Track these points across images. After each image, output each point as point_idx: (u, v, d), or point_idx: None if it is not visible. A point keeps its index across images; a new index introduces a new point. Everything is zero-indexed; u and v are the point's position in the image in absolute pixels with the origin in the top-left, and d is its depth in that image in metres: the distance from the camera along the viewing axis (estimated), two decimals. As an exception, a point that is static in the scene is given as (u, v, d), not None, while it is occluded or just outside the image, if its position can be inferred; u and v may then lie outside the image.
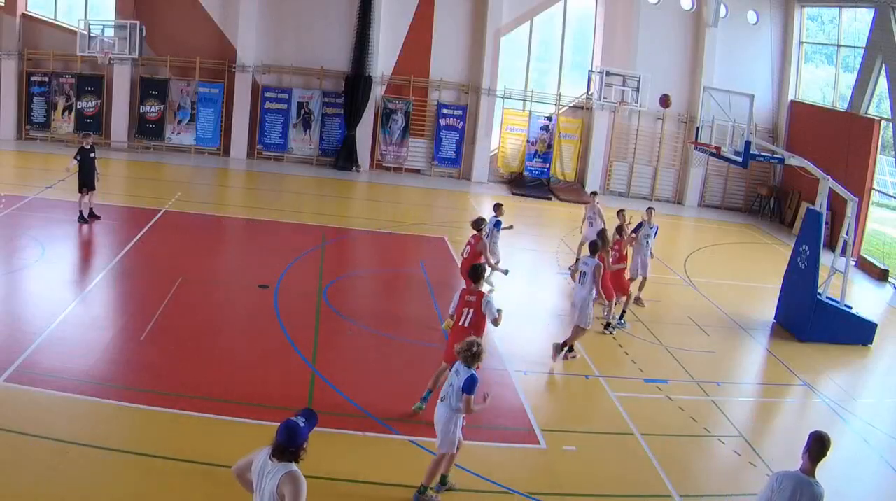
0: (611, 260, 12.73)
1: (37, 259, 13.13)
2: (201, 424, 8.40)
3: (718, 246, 20.52)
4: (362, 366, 10.57)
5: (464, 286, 9.83)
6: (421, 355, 10.91)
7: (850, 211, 13.56)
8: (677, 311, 14.33)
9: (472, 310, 8.98)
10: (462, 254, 12.90)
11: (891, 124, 20.03)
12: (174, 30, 23.15)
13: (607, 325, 12.69)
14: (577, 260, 16.02)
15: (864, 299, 16.39)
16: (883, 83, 20.03)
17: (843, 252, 13.90)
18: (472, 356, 7.25)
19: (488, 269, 13.23)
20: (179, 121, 23.50)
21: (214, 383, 9.39)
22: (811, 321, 13.35)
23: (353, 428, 8.59)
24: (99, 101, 22.99)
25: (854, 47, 21.71)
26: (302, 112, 23.93)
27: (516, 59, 25.08)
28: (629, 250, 13.73)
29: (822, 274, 13.77)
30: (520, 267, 14.86)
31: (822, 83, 24.31)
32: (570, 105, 25.09)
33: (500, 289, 14.33)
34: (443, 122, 24.32)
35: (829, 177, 13.63)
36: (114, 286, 12.68)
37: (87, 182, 15.21)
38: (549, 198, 23.62)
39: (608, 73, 22.68)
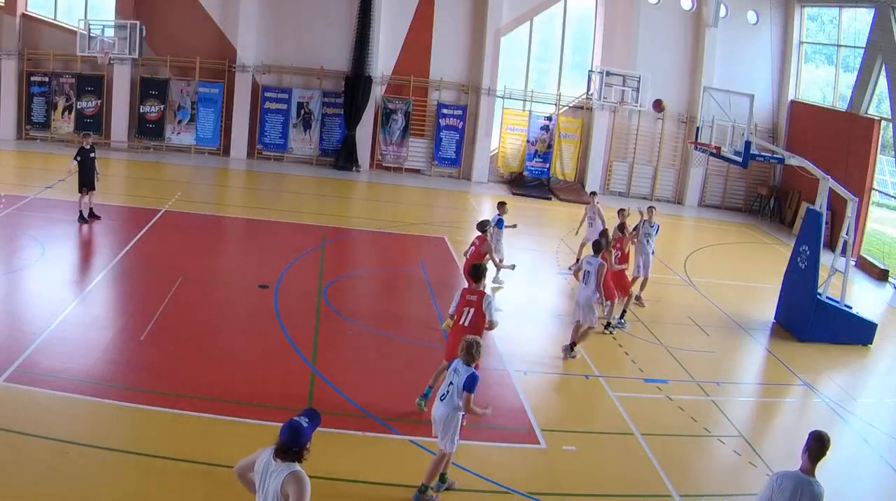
0: (613, 259, 12.73)
1: (37, 259, 13.13)
2: (201, 424, 8.40)
3: (718, 246, 20.52)
4: (362, 366, 10.57)
5: (465, 286, 9.82)
6: (421, 355, 10.91)
7: (850, 211, 13.56)
8: (677, 311, 14.33)
9: (472, 310, 8.99)
10: (465, 255, 12.89)
11: (891, 124, 20.03)
12: (174, 30, 23.16)
13: (607, 325, 12.69)
14: (578, 260, 16.06)
15: (864, 299, 16.39)
16: (883, 83, 20.03)
17: (843, 252, 13.89)
18: (472, 354, 7.28)
19: (493, 269, 13.28)
20: (179, 121, 23.51)
21: (214, 383, 9.39)
22: (811, 321, 13.35)
23: (353, 428, 8.58)
24: (99, 101, 23.00)
25: (854, 47, 21.71)
26: (302, 112, 23.93)
27: (516, 59, 25.08)
28: (631, 249, 13.74)
29: (822, 274, 13.77)
30: (520, 268, 14.87)
31: (822, 83, 24.31)
32: (570, 105, 25.10)
33: (503, 288, 14.38)
34: (443, 122, 24.32)
35: (829, 177, 13.63)
36: (114, 286, 12.68)
37: (87, 182, 15.22)
38: (549, 198, 23.62)
39: (608, 73, 22.71)
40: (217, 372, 9.71)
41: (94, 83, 22.90)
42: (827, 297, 13.67)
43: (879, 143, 20.38)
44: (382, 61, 23.83)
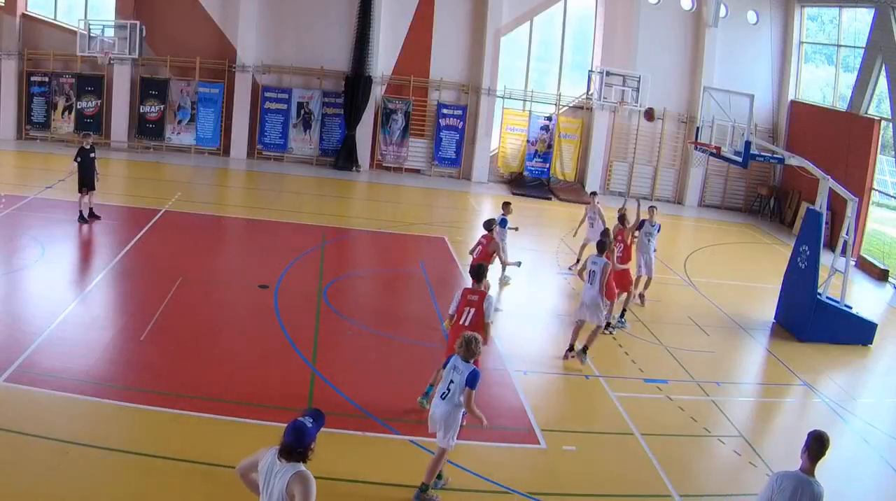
0: (616, 252, 12.79)
1: (37, 259, 13.13)
2: (201, 424, 8.40)
3: (718, 246, 20.52)
4: (362, 366, 10.57)
5: (467, 285, 9.81)
6: (421, 355, 10.90)
7: (850, 211, 13.56)
8: (677, 311, 14.33)
9: (473, 310, 9.00)
10: (471, 253, 12.87)
11: (891, 124, 20.03)
12: (174, 30, 23.16)
13: (607, 325, 12.68)
14: (578, 260, 16.08)
15: (864, 299, 16.39)
16: (883, 83, 20.03)
17: (843, 252, 13.89)
18: (472, 350, 7.30)
19: (499, 268, 13.29)
20: (179, 121, 23.51)
21: (214, 383, 9.39)
22: (811, 321, 13.35)
23: (353, 428, 8.58)
24: (99, 101, 23.00)
25: (854, 47, 21.71)
26: (302, 112, 23.93)
27: (516, 59, 25.08)
28: (633, 248, 13.77)
29: (822, 274, 13.77)
30: (520, 268, 14.86)
31: (822, 83, 24.31)
32: (570, 105, 25.10)
33: (509, 285, 14.38)
34: (443, 122, 24.33)
35: (829, 177, 13.62)
36: (114, 286, 12.68)
37: (87, 182, 15.21)
38: (549, 198, 23.63)
39: (608, 73, 22.70)
40: (217, 372, 9.71)
41: (94, 83, 22.90)
42: (827, 297, 13.67)
43: (879, 143, 20.38)
44: (382, 61, 23.83)
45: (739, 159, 14.29)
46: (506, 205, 14.70)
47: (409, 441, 8.51)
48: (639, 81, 22.61)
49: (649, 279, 14.22)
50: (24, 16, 22.72)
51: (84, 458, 7.46)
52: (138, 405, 8.62)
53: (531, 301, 14.56)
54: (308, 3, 23.59)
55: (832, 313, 13.45)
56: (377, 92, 23.91)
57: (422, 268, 15.14)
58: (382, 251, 17.07)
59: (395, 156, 24.48)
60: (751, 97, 14.62)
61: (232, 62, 23.40)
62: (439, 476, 7.66)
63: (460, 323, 8.98)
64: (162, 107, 23.27)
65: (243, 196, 20.83)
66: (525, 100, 24.92)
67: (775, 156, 15.76)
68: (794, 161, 14.23)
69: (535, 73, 25.40)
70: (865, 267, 19.32)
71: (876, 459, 9.65)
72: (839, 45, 22.56)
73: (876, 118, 20.38)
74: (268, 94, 23.68)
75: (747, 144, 14.00)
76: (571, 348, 11.42)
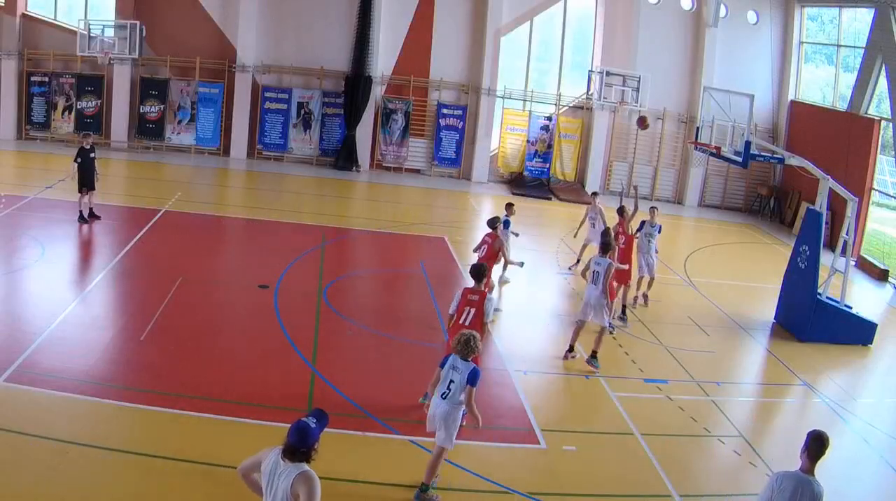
0: (619, 244, 12.87)
1: (37, 259, 13.13)
2: (201, 424, 8.40)
3: (718, 246, 20.53)
4: (362, 366, 10.57)
5: (467, 285, 9.81)
6: (421, 355, 10.90)
7: (850, 211, 13.56)
8: (677, 311, 14.32)
9: (473, 310, 9.02)
10: (477, 252, 12.87)
11: (891, 124, 20.03)
12: (174, 30, 23.16)
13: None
14: (578, 260, 16.09)
15: (864, 299, 16.39)
16: (883, 83, 20.03)
17: (843, 252, 13.89)
18: (471, 347, 7.31)
19: (501, 267, 13.31)
20: (179, 121, 23.51)
21: (214, 383, 9.39)
22: (811, 321, 13.35)
23: (353, 428, 8.58)
24: (99, 101, 23.00)
25: (854, 47, 21.71)
26: (302, 112, 23.93)
27: (516, 59, 25.08)
28: (634, 247, 13.82)
29: (822, 274, 13.77)
30: (520, 268, 14.84)
31: (822, 83, 24.32)
32: (570, 105, 25.10)
33: (509, 284, 14.37)
34: (443, 122, 24.33)
35: (829, 177, 13.62)
36: (114, 286, 12.68)
37: (86, 182, 15.21)
38: (549, 198, 23.63)
39: (608, 73, 22.70)
40: (217, 372, 9.71)
41: (94, 83, 22.90)
42: (827, 297, 13.67)
43: (879, 143, 20.38)
44: (382, 61, 23.83)
45: (739, 159, 14.29)
46: (509, 205, 14.69)
47: (409, 441, 8.51)
48: (639, 81, 22.62)
49: (652, 279, 14.22)
50: (24, 16, 22.73)
51: (84, 458, 7.47)
52: (138, 405, 8.63)
53: (531, 301, 14.56)
54: (308, 3, 23.59)
55: (832, 313, 13.45)
56: (377, 92, 23.91)
57: (422, 268, 15.14)
58: (382, 251, 17.07)
59: (395, 156, 24.48)
60: (751, 97, 14.62)
61: (232, 62, 23.41)
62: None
63: (460, 322, 8.98)
64: (162, 107, 23.28)
65: (243, 196, 20.83)
66: (525, 100, 24.92)
67: (775, 156, 15.76)
68: (794, 161, 14.23)
69: (535, 73, 25.40)
70: (865, 267, 19.32)
71: (876, 459, 9.65)
72: (839, 45, 22.56)
73: (876, 118, 20.38)
74: (268, 94, 23.68)
75: (747, 144, 14.00)
76: (571, 349, 11.42)
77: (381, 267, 15.91)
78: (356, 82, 23.21)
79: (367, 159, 24.18)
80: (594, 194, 16.49)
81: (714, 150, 15.07)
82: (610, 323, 12.66)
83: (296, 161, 24.06)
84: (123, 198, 18.01)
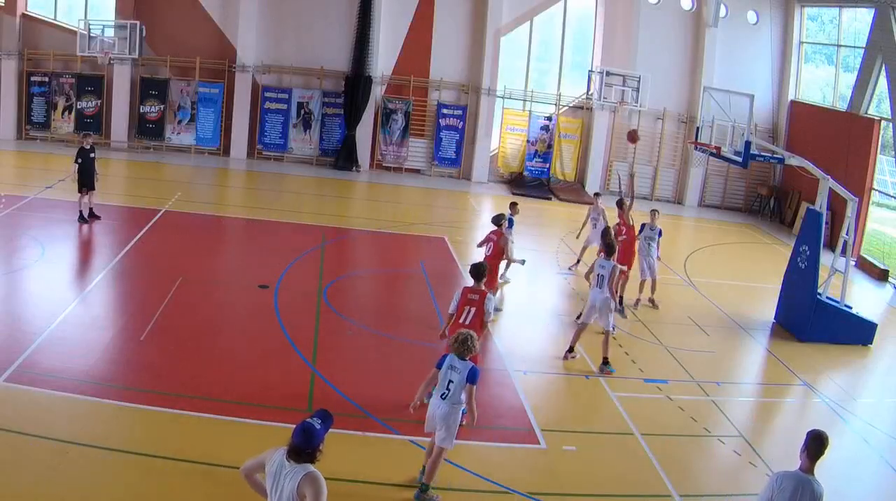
0: (621, 236, 12.97)
1: (37, 259, 13.13)
2: (201, 424, 8.40)
3: (718, 246, 20.53)
4: (362, 366, 10.57)
5: (466, 284, 9.82)
6: (421, 355, 10.89)
7: (850, 211, 13.56)
8: (677, 311, 14.32)
9: (474, 309, 9.02)
10: (482, 248, 12.86)
11: (891, 124, 20.03)
12: (174, 30, 23.16)
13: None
14: (578, 260, 16.09)
15: (864, 299, 16.39)
16: (883, 83, 20.03)
17: (843, 252, 13.89)
18: (469, 347, 7.32)
19: (503, 265, 13.31)
20: (179, 121, 23.51)
21: (214, 383, 9.39)
22: (811, 321, 13.35)
23: (353, 428, 8.57)
24: (99, 101, 23.00)
25: (854, 47, 21.71)
26: (302, 112, 23.93)
27: (516, 59, 25.08)
28: (636, 225, 13.98)
29: (822, 274, 13.76)
30: (520, 268, 14.84)
31: (822, 83, 24.32)
32: (570, 105, 25.10)
33: (509, 284, 14.37)
34: (443, 122, 24.33)
35: (829, 177, 13.62)
36: (114, 286, 12.68)
37: (86, 182, 15.21)
38: (549, 198, 23.62)
39: (608, 73, 22.68)
40: (217, 372, 9.71)
41: (94, 83, 22.90)
42: (827, 297, 13.67)
43: (879, 143, 20.37)
44: (382, 61, 23.83)
45: (739, 159, 14.29)
46: (513, 205, 14.66)
47: (409, 441, 8.51)
48: (639, 81, 22.61)
49: (654, 281, 14.21)
50: (24, 16, 22.73)
51: (84, 458, 7.47)
52: (138, 405, 8.63)
53: (531, 301, 14.56)
54: (308, 3, 23.59)
55: (832, 313, 13.45)
56: (377, 92, 23.91)
57: (422, 268, 15.14)
58: (382, 251, 17.07)
59: (395, 156, 24.48)
60: (751, 97, 14.62)
61: (232, 62, 23.41)
62: (423, 471, 7.69)
63: (460, 321, 8.99)
64: (162, 107, 23.28)
65: (243, 196, 20.83)
66: (525, 100, 24.92)
67: (775, 156, 15.75)
68: (794, 161, 14.22)
69: (535, 73, 25.40)
70: (865, 267, 19.32)
71: (876, 459, 9.65)
72: (839, 45, 22.56)
73: (876, 118, 20.38)
74: (268, 94, 23.68)
75: (747, 144, 14.00)
76: (571, 349, 11.42)
77: (381, 267, 15.91)
78: (356, 82, 23.21)
79: (367, 159, 24.18)
80: (596, 195, 16.48)
81: (714, 150, 15.06)
82: (613, 326, 12.67)
83: (296, 161, 24.06)
84: (123, 198, 18.01)
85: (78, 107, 22.94)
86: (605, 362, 11.08)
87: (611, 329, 11.23)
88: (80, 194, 15.27)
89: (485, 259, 12.53)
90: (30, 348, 9.62)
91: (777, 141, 24.08)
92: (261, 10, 23.45)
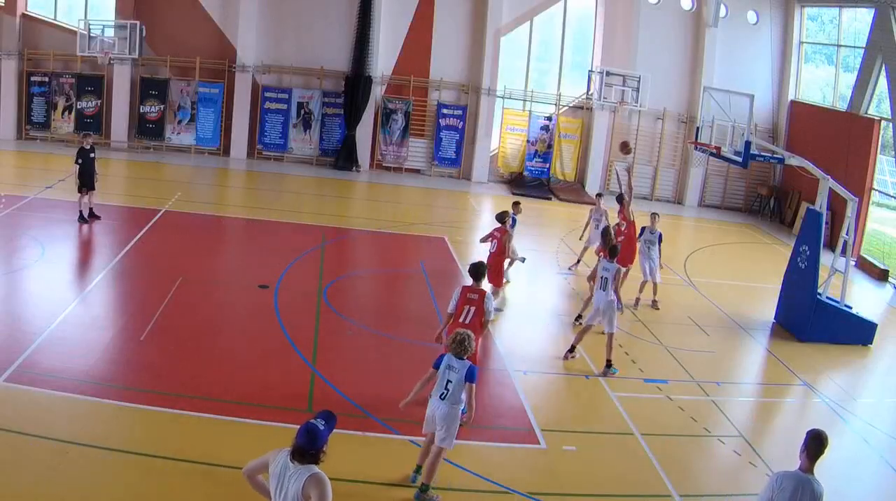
0: (622, 229, 13.03)
1: (37, 259, 13.13)
2: (201, 424, 8.40)
3: (718, 246, 20.53)
4: (362, 366, 10.57)
5: (465, 284, 9.82)
6: (421, 355, 10.86)
7: (850, 211, 13.56)
8: (677, 311, 14.32)
9: (473, 309, 9.03)
10: (485, 244, 12.85)
11: (891, 124, 20.03)
12: (174, 30, 23.16)
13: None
14: (578, 260, 16.08)
15: (864, 299, 16.39)
16: (883, 83, 20.03)
17: (843, 252, 13.89)
18: (466, 346, 7.33)
19: (506, 263, 13.33)
20: (179, 121, 23.51)
21: (214, 383, 9.39)
22: (811, 321, 13.35)
23: (353, 428, 8.56)
24: (99, 101, 23.00)
25: (854, 47, 21.71)
26: (302, 112, 23.93)
27: (516, 59, 25.08)
28: (637, 223, 14.05)
29: (822, 274, 13.76)
30: (520, 268, 14.85)
31: (822, 83, 24.32)
32: (570, 105, 25.10)
33: (510, 283, 14.39)
34: (443, 122, 24.33)
35: (829, 177, 13.62)
36: (114, 286, 12.68)
37: (87, 182, 15.21)
38: (549, 198, 23.63)
39: (608, 73, 22.69)
40: (217, 372, 9.71)
41: (94, 83, 22.90)
42: (827, 297, 13.67)
43: (879, 143, 20.38)
44: (382, 61, 23.83)
45: (739, 159, 14.29)
46: (516, 204, 14.64)
47: (409, 441, 8.51)
48: (639, 81, 22.61)
49: (655, 285, 14.20)
50: (24, 16, 22.73)
51: (84, 458, 7.47)
52: (138, 405, 8.63)
53: (531, 301, 14.56)
54: (308, 3, 23.60)
55: (832, 313, 13.45)
56: (377, 92, 23.91)
57: (422, 268, 15.14)
58: (382, 251, 17.07)
59: (395, 156, 24.48)
60: (751, 97, 14.62)
61: (232, 62, 23.40)
62: (418, 471, 7.69)
63: (460, 320, 8.99)
64: (162, 107, 23.28)
65: (243, 196, 20.83)
66: (525, 100, 24.92)
67: (775, 156, 15.75)
68: (794, 161, 14.22)
69: (535, 73, 25.40)
70: (865, 267, 19.32)
71: (876, 459, 9.65)
72: (839, 45, 22.56)
73: (876, 118, 20.38)
74: (268, 94, 23.68)
75: (747, 144, 14.00)
76: (572, 349, 11.43)
77: (381, 267, 15.91)
78: (356, 82, 23.21)
79: (367, 159, 24.18)
80: (599, 195, 16.47)
81: (714, 150, 15.06)
82: (617, 327, 12.66)
83: (296, 161, 24.06)
84: (123, 198, 18.01)
85: (78, 107, 22.95)
86: (609, 365, 11.07)
87: (615, 331, 11.22)
88: (80, 194, 15.27)
89: (489, 256, 12.60)
90: (30, 348, 9.62)
91: (777, 141, 24.08)
92: (261, 10, 23.45)
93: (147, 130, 23.33)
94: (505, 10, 23.86)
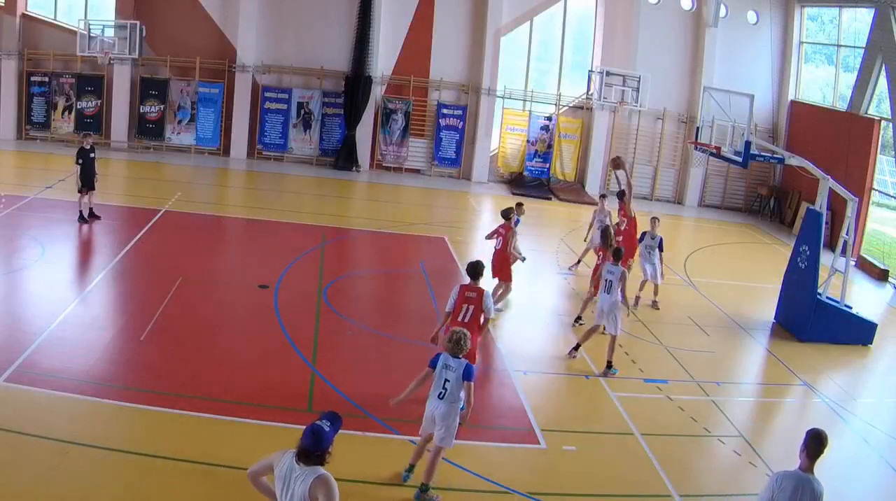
0: (623, 226, 13.14)
1: (37, 259, 13.13)
2: (201, 424, 8.40)
3: (718, 246, 20.53)
4: (362, 366, 10.57)
5: (464, 282, 9.82)
6: (421, 355, 10.84)
7: (850, 211, 13.56)
8: (677, 311, 14.32)
9: (472, 307, 9.03)
10: (490, 240, 12.86)
11: (891, 124, 20.03)
12: (174, 30, 23.16)
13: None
14: (579, 260, 16.08)
15: (864, 299, 16.39)
16: (883, 83, 20.03)
17: (843, 252, 13.89)
18: (462, 345, 7.34)
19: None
20: (179, 121, 23.51)
21: (214, 383, 9.39)
22: (811, 321, 13.35)
23: (353, 428, 8.55)
24: (99, 101, 23.00)
25: (854, 47, 21.71)
26: (302, 112, 23.93)
27: (516, 59, 25.08)
28: (636, 244, 13.99)
29: (822, 274, 13.77)
30: (520, 267, 14.82)
31: (822, 83, 24.32)
32: (570, 105, 25.09)
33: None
34: (443, 122, 24.32)
35: (829, 177, 13.63)
36: (114, 286, 12.68)
37: (87, 182, 15.21)
38: (549, 198, 23.62)
39: (608, 73, 22.69)
40: (217, 372, 9.71)
41: (94, 83, 22.90)
42: (827, 297, 13.67)
43: (879, 143, 20.37)
44: (382, 61, 23.83)
45: (739, 159, 14.29)
46: (519, 205, 14.62)
47: (409, 441, 8.50)
48: (639, 81, 22.61)
49: (656, 286, 14.20)
50: (24, 16, 22.72)
51: (84, 458, 7.47)
52: (138, 405, 8.63)
53: (531, 301, 14.55)
54: (308, 3, 23.59)
55: (832, 313, 13.45)
56: (377, 92, 23.91)
57: (422, 268, 15.14)
58: (382, 251, 17.07)
59: (395, 156, 24.48)
60: (751, 97, 14.62)
61: (232, 62, 23.40)
62: (411, 470, 7.71)
63: (458, 319, 9.00)
64: (162, 107, 23.27)
65: (243, 196, 20.83)
66: (525, 100, 24.91)
67: (775, 156, 15.76)
68: (794, 161, 14.22)
69: (535, 73, 25.39)
70: (865, 267, 19.32)
71: (876, 459, 9.65)
72: (839, 45, 22.56)
73: (876, 118, 20.38)
74: (268, 94, 23.68)
75: (747, 144, 14.00)
76: (577, 347, 11.44)
77: (381, 267, 15.91)
78: (356, 82, 23.21)
79: (367, 159, 24.17)
80: (602, 196, 16.44)
81: (714, 150, 15.06)
82: (621, 330, 12.66)
83: (296, 161, 24.06)
84: (123, 198, 18.01)
85: (78, 107, 22.94)
86: (609, 366, 11.07)
87: (618, 333, 11.22)
88: (79, 194, 15.27)
89: (494, 253, 12.65)
90: (30, 348, 9.62)
91: (777, 141, 24.09)
92: (261, 10, 23.45)
93: (147, 130, 23.33)
94: (505, 10, 23.86)
